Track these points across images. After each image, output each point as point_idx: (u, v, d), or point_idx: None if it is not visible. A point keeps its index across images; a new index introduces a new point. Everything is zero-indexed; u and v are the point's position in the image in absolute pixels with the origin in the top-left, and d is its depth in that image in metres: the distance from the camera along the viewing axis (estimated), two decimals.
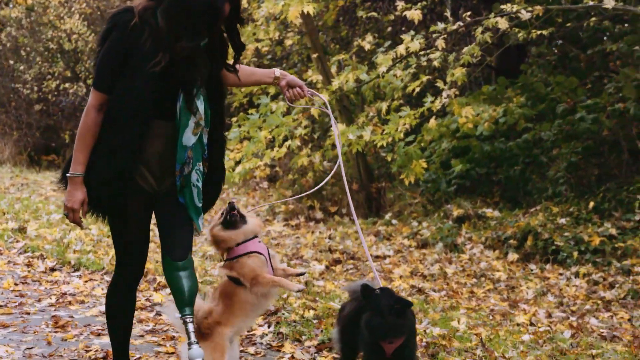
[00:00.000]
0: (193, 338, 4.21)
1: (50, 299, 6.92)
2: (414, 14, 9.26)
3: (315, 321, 6.19)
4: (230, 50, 4.29)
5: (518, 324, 6.78)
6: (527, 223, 9.70)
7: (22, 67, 17.89)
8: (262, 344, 5.82)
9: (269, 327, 6.06)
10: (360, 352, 4.59)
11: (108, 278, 7.66)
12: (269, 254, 4.59)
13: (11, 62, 18.12)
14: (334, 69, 11.43)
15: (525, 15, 8.78)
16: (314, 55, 11.52)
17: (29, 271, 7.89)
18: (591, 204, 9.94)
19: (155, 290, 7.24)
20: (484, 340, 5.89)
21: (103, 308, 6.52)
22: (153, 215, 4.32)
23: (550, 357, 5.64)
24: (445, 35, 9.29)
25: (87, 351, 5.45)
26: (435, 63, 9.25)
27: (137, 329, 5.93)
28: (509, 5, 9.04)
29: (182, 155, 4.13)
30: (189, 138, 4.12)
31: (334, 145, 10.96)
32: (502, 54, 12.06)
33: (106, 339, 5.72)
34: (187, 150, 4.13)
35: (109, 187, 4.07)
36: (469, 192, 11.69)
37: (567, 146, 11.08)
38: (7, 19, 18.23)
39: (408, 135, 11.17)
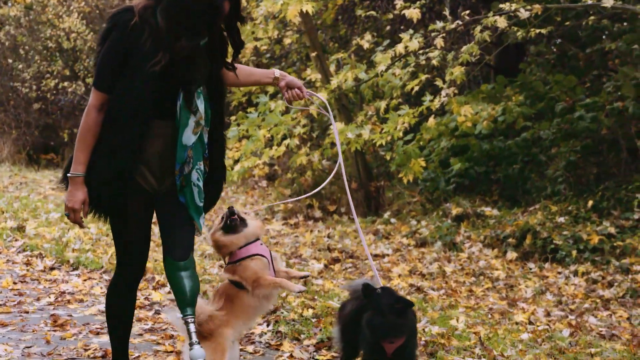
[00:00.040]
0: (194, 338, 4.21)
1: (49, 297, 6.91)
2: (413, 13, 9.26)
3: (314, 320, 6.19)
4: (230, 49, 4.29)
5: (517, 323, 6.78)
6: (526, 222, 9.71)
7: (20, 66, 17.86)
8: (260, 342, 5.83)
9: (267, 325, 6.06)
10: (361, 351, 4.59)
11: (107, 277, 7.66)
12: (271, 256, 4.59)
13: (10, 60, 18.10)
14: (332, 68, 11.43)
15: (524, 14, 8.78)
16: (313, 54, 11.51)
17: (27, 270, 7.89)
18: (590, 202, 9.94)
19: (154, 289, 7.24)
20: (483, 339, 5.89)
21: (102, 307, 6.53)
22: (154, 215, 4.32)
23: (549, 356, 5.64)
24: (444, 34, 9.28)
25: (85, 350, 5.45)
26: (434, 62, 9.25)
27: (136, 328, 5.93)
28: (507, 4, 9.04)
29: (182, 155, 4.13)
30: (188, 137, 4.12)
31: (333, 144, 10.96)
32: (501, 53, 12.06)
33: (105, 338, 5.72)
34: (186, 150, 4.13)
35: (109, 187, 4.07)
36: (467, 191, 11.70)
37: (565, 145, 11.08)
38: (5, 17, 18.22)
39: (407, 134, 11.17)
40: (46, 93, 17.81)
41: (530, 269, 9.01)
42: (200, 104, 4.12)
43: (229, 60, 4.32)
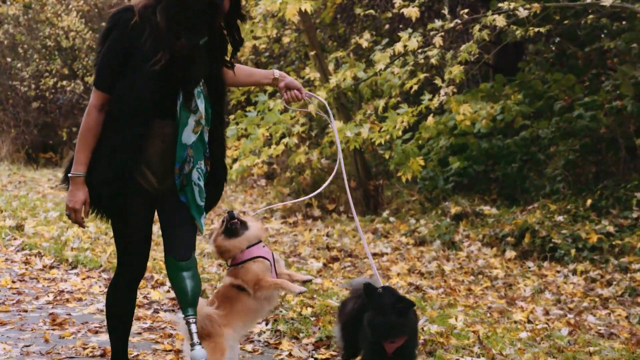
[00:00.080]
0: (196, 339, 4.20)
1: (48, 296, 6.91)
2: (412, 12, 9.25)
3: (313, 319, 6.19)
4: (229, 47, 4.28)
5: (515, 322, 6.78)
6: (525, 220, 9.71)
7: (19, 65, 17.85)
8: (259, 341, 5.83)
9: (266, 324, 6.06)
10: (361, 350, 4.58)
11: (105, 275, 7.66)
12: (273, 258, 4.58)
13: (8, 59, 18.09)
14: (331, 67, 11.42)
15: (522, 12, 8.79)
16: (312, 53, 11.51)
17: (26, 269, 7.89)
18: (589, 201, 9.95)
19: (153, 287, 7.24)
20: (482, 337, 5.89)
21: (100, 305, 6.53)
22: (155, 215, 4.31)
23: (548, 355, 5.64)
24: (442, 33, 9.28)
25: (84, 349, 5.45)
26: (433, 61, 9.25)
27: (134, 327, 5.92)
28: (506, 2, 9.04)
29: (182, 154, 4.12)
30: (188, 136, 4.11)
31: (331, 143, 10.96)
32: (500, 52, 12.06)
33: (104, 337, 5.72)
34: (186, 149, 4.12)
35: (110, 187, 4.06)
36: (466, 190, 11.70)
37: (564, 144, 11.08)
38: (4, 16, 18.20)
39: (406, 133, 11.17)
40: (45, 92, 17.81)
41: (529, 267, 9.01)
42: (201, 103, 4.11)
43: (228, 58, 4.31)
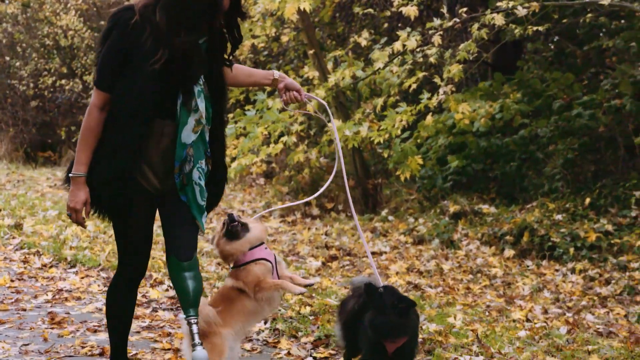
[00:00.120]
0: (197, 339, 4.19)
1: (47, 295, 6.91)
2: (410, 10, 9.25)
3: (311, 317, 6.19)
4: (228, 45, 4.28)
5: (514, 320, 6.78)
6: (523, 219, 9.71)
7: (18, 64, 17.84)
8: (258, 340, 5.83)
9: (265, 323, 6.06)
10: (361, 349, 4.58)
11: (104, 274, 7.66)
12: (275, 260, 4.57)
13: (7, 58, 18.08)
14: (330, 66, 11.42)
15: (521, 11, 8.78)
16: (311, 52, 11.50)
17: (25, 268, 7.89)
18: (587, 200, 9.95)
19: (152, 286, 7.24)
20: (480, 336, 5.89)
21: (99, 304, 6.53)
22: (156, 215, 4.30)
23: (547, 353, 5.64)
24: (441, 32, 9.28)
25: (83, 347, 5.45)
26: (432, 59, 9.25)
27: (133, 325, 5.91)
28: (505, 1, 9.04)
29: (181, 153, 4.11)
30: (188, 135, 4.10)
31: (330, 142, 10.96)
32: (499, 50, 12.06)
33: (103, 335, 5.72)
34: (185, 148, 4.11)
35: (110, 187, 4.06)
36: (465, 188, 11.70)
37: (563, 142, 11.08)
38: (2, 15, 18.18)
39: (404, 132, 11.16)
40: (43, 91, 17.80)
41: (528, 266, 9.02)
42: (201, 103, 4.11)
43: (226, 56, 4.30)
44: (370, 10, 11.40)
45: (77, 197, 4.07)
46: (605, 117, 10.84)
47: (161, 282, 7.31)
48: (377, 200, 12.02)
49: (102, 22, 17.24)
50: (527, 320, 6.88)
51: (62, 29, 17.64)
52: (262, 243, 4.57)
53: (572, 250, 8.99)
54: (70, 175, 4.09)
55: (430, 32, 9.31)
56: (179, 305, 6.70)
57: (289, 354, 5.46)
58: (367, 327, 4.33)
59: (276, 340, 5.76)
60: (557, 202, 10.17)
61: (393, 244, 9.94)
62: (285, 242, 9.93)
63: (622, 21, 12.18)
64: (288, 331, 5.91)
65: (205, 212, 4.28)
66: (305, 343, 5.70)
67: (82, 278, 7.55)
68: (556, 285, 8.27)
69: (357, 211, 11.66)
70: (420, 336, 5.69)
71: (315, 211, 11.90)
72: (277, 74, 4.58)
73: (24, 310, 6.44)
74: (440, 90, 9.37)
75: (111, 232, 9.14)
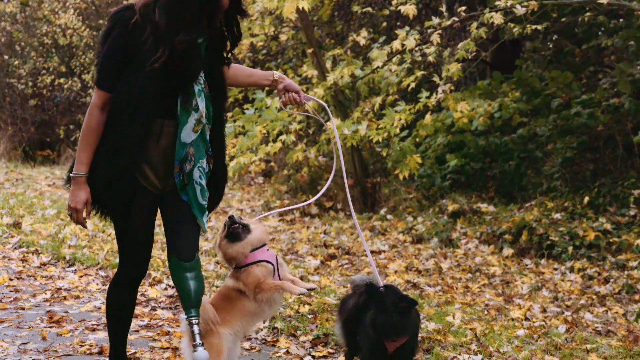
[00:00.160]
0: (198, 340, 4.18)
1: (45, 294, 6.91)
2: (409, 9, 9.25)
3: (310, 316, 6.19)
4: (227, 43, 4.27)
5: (513, 319, 6.79)
6: (522, 218, 9.71)
7: (16, 62, 17.84)
8: (257, 339, 5.83)
9: (264, 322, 6.06)
10: (362, 347, 4.57)
11: (103, 273, 7.66)
12: (277, 262, 4.56)
13: (6, 57, 18.08)
14: (329, 64, 11.42)
15: (520, 10, 8.79)
16: (309, 51, 11.50)
17: (23, 266, 7.89)
18: (586, 199, 9.95)
19: (151, 285, 7.24)
20: (479, 335, 5.90)
21: (98, 303, 6.53)
22: (157, 215, 4.30)
23: (545, 352, 5.65)
24: (440, 31, 9.28)
25: (81, 346, 5.45)
26: (430, 58, 9.25)
27: (132, 324, 5.92)
28: (503, 0, 9.04)
29: (180, 152, 4.11)
30: (187, 135, 4.10)
31: (329, 140, 10.95)
32: (497, 49, 12.07)
33: (101, 334, 5.72)
34: (185, 147, 4.11)
35: (111, 186, 4.05)
36: (464, 187, 11.70)
37: (562, 141, 11.09)
38: (1, 13, 18.18)
39: (403, 130, 11.16)
40: (42, 89, 17.80)
41: (526, 265, 9.02)
42: (201, 102, 4.10)
43: (225, 54, 4.30)
44: (369, 9, 11.40)
45: (78, 197, 4.07)
46: (604, 116, 10.85)
47: (160, 281, 7.31)
48: (375, 199, 12.02)
49: (101, 21, 17.26)
50: (526, 319, 6.89)
51: (60, 28, 17.64)
52: (264, 244, 4.56)
53: (570, 249, 9.00)
54: (71, 175, 4.09)
55: (429, 31, 9.31)
56: (178, 304, 6.71)
57: (287, 352, 5.47)
58: (367, 326, 4.33)
59: (275, 339, 5.76)
60: (555, 201, 10.18)
61: (392, 242, 9.94)
62: (284, 241, 9.93)
63: (621, 20, 12.19)
64: (287, 330, 5.91)
65: (207, 212, 4.27)
66: (304, 342, 5.71)
67: (81, 277, 7.55)
68: (555, 284, 8.28)
69: (356, 210, 11.66)
70: (419, 335, 5.69)
71: (314, 210, 11.90)
72: (276, 74, 4.58)
73: (23, 309, 6.44)
74: (439, 89, 9.37)
75: (110, 230, 9.16)
